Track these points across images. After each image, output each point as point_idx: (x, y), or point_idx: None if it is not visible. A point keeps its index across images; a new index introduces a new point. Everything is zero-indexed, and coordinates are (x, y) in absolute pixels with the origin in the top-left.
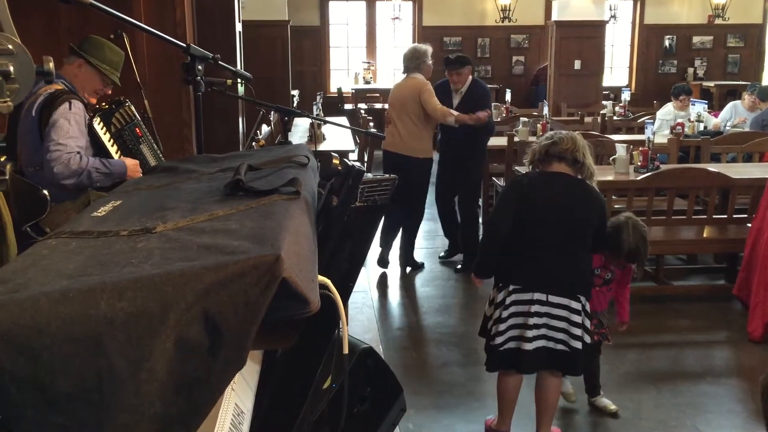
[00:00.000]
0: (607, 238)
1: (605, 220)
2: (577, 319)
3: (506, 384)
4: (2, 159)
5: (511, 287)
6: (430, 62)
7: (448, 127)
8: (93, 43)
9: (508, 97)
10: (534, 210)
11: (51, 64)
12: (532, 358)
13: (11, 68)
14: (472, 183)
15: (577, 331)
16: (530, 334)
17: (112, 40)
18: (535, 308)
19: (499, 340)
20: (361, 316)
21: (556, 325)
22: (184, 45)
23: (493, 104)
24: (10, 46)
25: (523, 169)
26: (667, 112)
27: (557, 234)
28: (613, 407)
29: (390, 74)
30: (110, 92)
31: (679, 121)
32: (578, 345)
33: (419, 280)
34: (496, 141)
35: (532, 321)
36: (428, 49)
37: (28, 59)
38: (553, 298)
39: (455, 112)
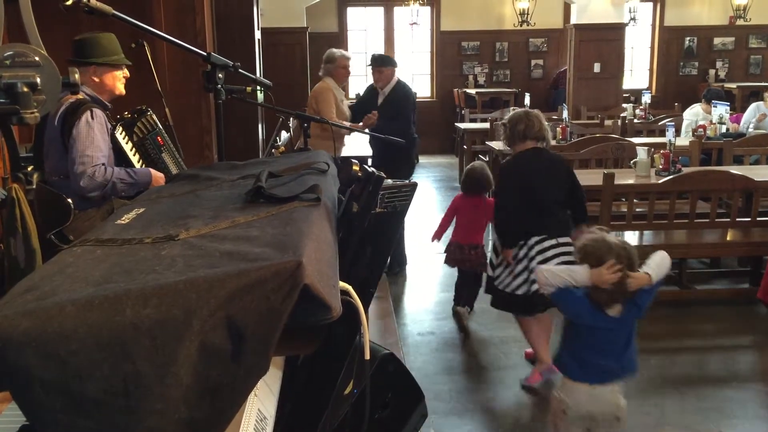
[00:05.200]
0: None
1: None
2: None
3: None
4: (30, 168)
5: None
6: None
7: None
8: (88, 45)
9: (527, 101)
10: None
11: (77, 76)
12: None
13: (38, 80)
14: None
15: None
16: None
17: (132, 49)
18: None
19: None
20: (382, 321)
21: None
22: (205, 53)
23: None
24: (37, 58)
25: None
26: (696, 113)
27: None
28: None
29: (409, 79)
30: (128, 75)
31: (701, 123)
32: None
33: (439, 284)
34: None
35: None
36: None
37: (54, 71)
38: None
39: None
